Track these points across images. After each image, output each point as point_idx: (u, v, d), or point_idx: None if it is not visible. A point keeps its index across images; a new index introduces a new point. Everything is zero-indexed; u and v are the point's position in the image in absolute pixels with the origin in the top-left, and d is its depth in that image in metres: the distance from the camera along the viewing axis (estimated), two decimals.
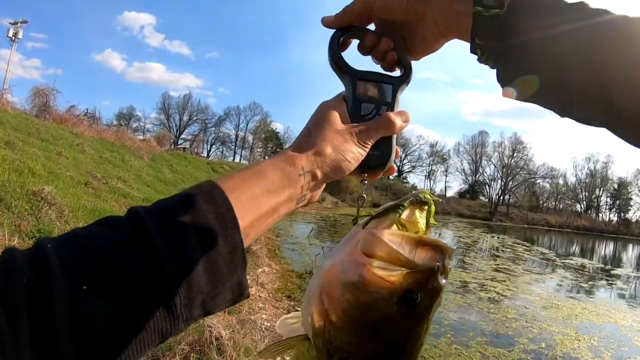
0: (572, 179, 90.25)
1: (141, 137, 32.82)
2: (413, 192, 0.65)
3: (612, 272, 22.38)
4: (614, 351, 8.62)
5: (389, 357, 0.58)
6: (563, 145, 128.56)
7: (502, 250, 24.89)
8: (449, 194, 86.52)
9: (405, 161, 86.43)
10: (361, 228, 0.63)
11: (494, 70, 0.66)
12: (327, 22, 0.74)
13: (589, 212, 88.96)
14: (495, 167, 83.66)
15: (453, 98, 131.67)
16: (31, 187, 6.58)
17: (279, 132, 78.16)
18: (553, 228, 70.47)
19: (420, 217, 0.63)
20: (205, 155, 65.87)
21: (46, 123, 16.68)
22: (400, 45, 0.74)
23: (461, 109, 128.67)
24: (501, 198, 79.37)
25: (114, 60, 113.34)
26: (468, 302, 10.60)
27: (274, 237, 15.60)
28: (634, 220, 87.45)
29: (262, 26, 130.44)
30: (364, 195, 0.72)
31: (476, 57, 0.66)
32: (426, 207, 0.64)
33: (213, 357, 3.96)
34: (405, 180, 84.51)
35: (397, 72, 0.75)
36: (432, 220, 0.65)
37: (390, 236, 0.57)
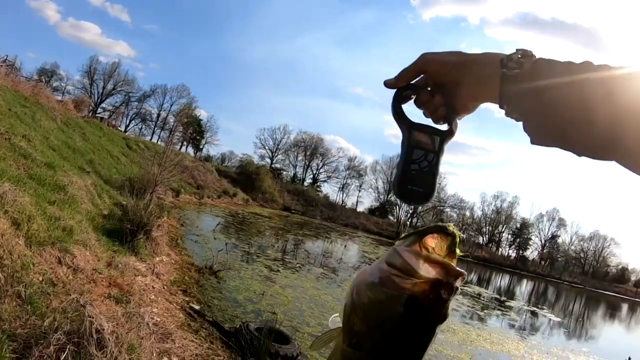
0: (478, 213, 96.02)
1: (59, 98, 30.91)
2: (438, 223, 0.72)
3: (506, 303, 23.36)
4: None
5: (389, 348, 0.69)
6: (475, 181, 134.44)
7: None
8: (360, 208, 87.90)
9: (322, 170, 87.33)
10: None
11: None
12: (389, 84, 0.86)
13: (490, 245, 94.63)
14: None
15: (379, 118, 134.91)
16: None
17: (201, 120, 77.02)
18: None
19: (442, 244, 0.69)
20: (123, 129, 62.91)
21: None
22: (450, 103, 0.84)
23: (384, 129, 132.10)
24: (410, 220, 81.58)
25: (49, 11, 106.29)
26: None
27: (178, 225, 14.96)
28: (530, 258, 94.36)
29: (208, 9, 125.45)
30: (408, 222, 1.09)
31: (504, 111, 0.78)
32: (448, 237, 0.70)
33: (92, 352, 3.47)
34: (318, 189, 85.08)
35: (442, 126, 0.86)
36: (457, 251, 0.71)
37: (408, 252, 0.68)
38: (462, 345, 10.53)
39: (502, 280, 48.50)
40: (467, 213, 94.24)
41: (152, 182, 15.08)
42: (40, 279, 4.68)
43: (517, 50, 0.77)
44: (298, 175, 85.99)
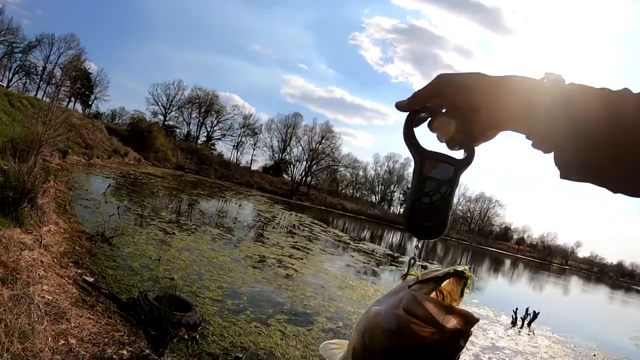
0: (371, 173, 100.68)
1: None
2: (454, 267, 0.71)
3: (399, 258, 24.45)
4: None
5: None
6: (369, 142, 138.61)
7: (300, 228, 25.70)
8: (254, 167, 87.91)
9: (216, 128, 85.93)
10: (406, 285, 0.73)
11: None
12: (401, 106, 0.80)
13: (382, 203, 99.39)
14: (302, 149, 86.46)
15: (276, 76, 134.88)
16: None
17: (91, 73, 71.92)
18: (348, 213, 75.62)
19: (457, 288, 0.72)
20: (5, 84, 57.39)
21: None
22: (466, 130, 0.78)
23: (282, 88, 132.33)
24: (304, 179, 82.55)
25: None
26: (267, 277, 10.64)
27: (66, 190, 14.17)
28: None
29: None
30: (415, 257, 0.81)
31: (530, 143, 0.73)
32: (463, 280, 0.71)
33: None
34: (213, 147, 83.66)
35: (456, 152, 0.81)
36: (466, 290, 0.72)
37: (429, 302, 0.66)
38: (361, 300, 10.91)
39: (394, 237, 50.53)
40: (361, 173, 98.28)
41: (36, 142, 14.04)
42: None
43: (546, 74, 0.71)
44: (192, 133, 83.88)
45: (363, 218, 74.97)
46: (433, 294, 0.70)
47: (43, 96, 58.77)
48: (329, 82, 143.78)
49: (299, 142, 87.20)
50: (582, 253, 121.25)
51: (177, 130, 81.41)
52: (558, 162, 0.70)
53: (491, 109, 0.74)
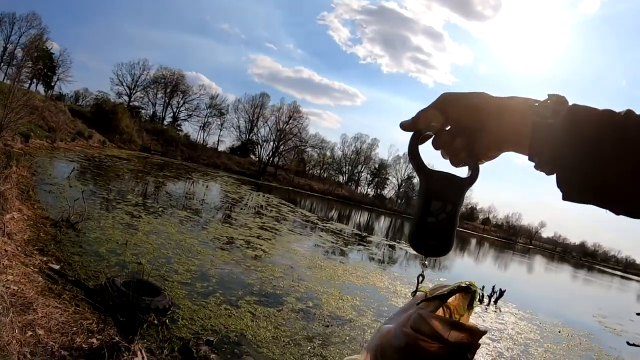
0: (339, 153, 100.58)
1: None
2: (459, 283, 0.72)
3: (367, 238, 24.81)
4: (375, 310, 9.39)
5: None
6: (337, 122, 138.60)
7: (267, 209, 25.71)
8: (221, 148, 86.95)
9: (182, 108, 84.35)
10: (415, 302, 0.74)
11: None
12: (406, 126, 0.81)
13: (350, 184, 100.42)
14: (270, 129, 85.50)
15: (243, 56, 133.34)
16: None
17: (53, 54, 69.17)
18: (316, 193, 75.78)
19: (464, 303, 0.73)
20: None
21: None
22: (471, 148, 0.80)
23: (249, 68, 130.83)
24: (271, 159, 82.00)
25: None
26: (235, 259, 10.67)
27: (29, 175, 13.88)
28: (387, 197, 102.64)
29: None
30: (423, 274, 0.80)
31: (533, 164, 0.73)
32: (469, 295, 0.72)
33: None
34: (179, 128, 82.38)
35: (461, 170, 0.83)
36: (475, 303, 0.74)
37: (435, 320, 0.68)
38: (330, 280, 11.03)
39: (361, 217, 51.12)
40: (328, 153, 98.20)
41: None
42: None
43: (549, 96, 0.72)
44: (158, 114, 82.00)
45: (331, 198, 75.29)
46: (440, 311, 0.72)
47: (4, 79, 56.73)
48: (297, 62, 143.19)
49: (266, 122, 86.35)
50: (546, 233, 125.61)
51: (143, 111, 79.75)
52: (562, 184, 0.70)
53: (494, 130, 0.75)
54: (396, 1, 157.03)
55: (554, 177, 0.70)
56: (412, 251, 17.50)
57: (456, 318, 0.73)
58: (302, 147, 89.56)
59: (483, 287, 13.70)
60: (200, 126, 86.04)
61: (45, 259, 6.85)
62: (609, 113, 0.66)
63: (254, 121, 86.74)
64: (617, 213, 0.68)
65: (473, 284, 0.73)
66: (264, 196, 36.61)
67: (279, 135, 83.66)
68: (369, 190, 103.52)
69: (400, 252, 22.71)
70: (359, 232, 27.91)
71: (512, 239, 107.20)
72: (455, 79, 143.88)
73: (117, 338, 4.59)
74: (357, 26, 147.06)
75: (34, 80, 61.43)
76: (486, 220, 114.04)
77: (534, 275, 38.85)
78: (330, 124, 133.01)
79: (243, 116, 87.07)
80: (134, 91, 79.35)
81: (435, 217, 0.77)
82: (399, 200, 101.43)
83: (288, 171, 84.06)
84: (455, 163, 0.82)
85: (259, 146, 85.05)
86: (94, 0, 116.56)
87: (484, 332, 0.69)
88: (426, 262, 0.82)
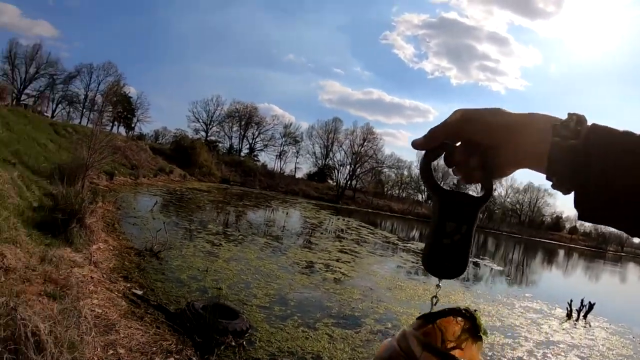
0: (416, 171, 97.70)
1: None
2: (456, 306, 0.72)
3: None
4: None
5: None
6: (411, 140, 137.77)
7: (347, 232, 25.65)
8: (299, 174, 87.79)
9: (258, 139, 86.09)
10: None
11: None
12: (418, 144, 0.79)
13: (429, 202, 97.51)
14: (345, 153, 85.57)
15: (313, 83, 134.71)
16: None
17: (131, 97, 73.97)
18: (395, 214, 75.03)
19: (455, 328, 0.72)
20: (50, 115, 59.63)
21: None
22: (486, 166, 0.78)
23: (319, 94, 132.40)
24: (349, 183, 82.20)
25: None
26: (314, 282, 10.66)
27: (114, 209, 14.58)
28: None
29: None
30: (437, 295, 0.79)
31: (551, 183, 0.71)
32: (464, 320, 0.72)
33: (30, 357, 3.34)
34: (256, 158, 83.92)
35: (473, 187, 0.82)
36: (482, 334, 0.72)
37: (412, 337, 0.69)
38: (410, 300, 10.84)
39: None
40: (405, 172, 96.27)
41: (82, 166, 14.52)
42: None
43: (570, 115, 0.70)
44: (234, 146, 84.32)
45: (411, 218, 74.33)
46: (434, 333, 0.72)
47: (87, 123, 60.79)
48: (366, 84, 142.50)
49: (341, 146, 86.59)
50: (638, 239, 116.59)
51: (220, 145, 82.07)
52: (578, 205, 0.68)
53: (511, 147, 0.74)
54: (456, 11, 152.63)
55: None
56: (496, 267, 16.86)
57: (449, 341, 0.73)
58: (379, 169, 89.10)
59: (571, 301, 13.04)
60: (277, 155, 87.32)
61: (129, 285, 7.15)
62: (629, 135, 0.65)
63: (329, 146, 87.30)
64: (633, 235, 0.67)
65: (469, 309, 0.72)
66: (343, 220, 36.61)
67: (355, 158, 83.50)
68: None
69: (485, 269, 21.95)
70: None
71: (602, 247, 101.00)
72: (526, 82, 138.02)
73: (194, 358, 4.69)
74: (421, 41, 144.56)
75: (116, 123, 65.93)
76: (573, 229, 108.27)
77: (628, 285, 36.32)
78: (405, 142, 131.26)
79: (318, 142, 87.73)
80: (210, 126, 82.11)
81: (451, 238, 0.76)
82: (481, 215, 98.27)
83: (366, 193, 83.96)
84: (468, 181, 0.81)
85: (335, 170, 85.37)
86: (163, 46, 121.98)
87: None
88: (440, 284, 0.80)
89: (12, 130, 19.17)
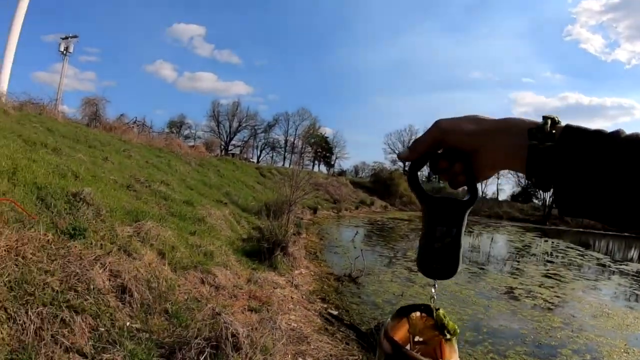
0: None
1: (191, 144, 33.57)
2: (420, 303, 0.83)
3: None
4: None
5: None
6: None
7: (554, 255, 24.12)
8: (501, 197, 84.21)
9: None
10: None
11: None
12: (402, 157, 0.87)
13: None
14: None
15: (503, 98, 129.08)
16: (72, 188, 6.81)
17: (327, 137, 78.97)
18: (610, 232, 67.31)
19: (422, 322, 0.78)
20: (255, 160, 66.71)
21: (95, 131, 17.56)
22: (469, 170, 0.85)
23: (512, 108, 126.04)
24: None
25: (165, 70, 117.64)
26: (512, 309, 10.31)
27: (317, 240, 15.60)
28: None
29: (311, 30, 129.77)
30: (434, 296, 0.85)
31: (531, 182, 0.77)
32: (430, 318, 0.79)
33: (228, 353, 4.00)
34: None
35: (459, 190, 0.90)
36: (450, 337, 0.77)
37: (385, 328, 0.75)
38: (617, 329, 9.90)
39: None
40: None
41: (286, 202, 15.82)
42: (185, 297, 5.40)
43: (544, 118, 0.77)
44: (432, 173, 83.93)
45: (628, 235, 66.23)
46: (394, 324, 0.78)
47: (289, 164, 66.63)
48: (559, 88, 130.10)
49: None
50: None
51: (418, 173, 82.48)
52: (558, 201, 0.73)
53: (490, 152, 0.80)
54: None
55: None
56: None
57: (417, 336, 0.77)
58: None
59: None
60: None
61: (325, 305, 7.74)
62: (600, 134, 0.71)
63: None
64: (611, 225, 0.72)
65: (429, 305, 0.80)
66: (549, 242, 34.44)
67: None
68: None
69: None
70: None
71: None
72: None
73: None
74: (608, 28, 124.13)
75: (316, 162, 70.51)
76: None
77: None
78: None
79: None
80: None
81: (442, 242, 0.80)
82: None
83: None
84: (454, 186, 0.87)
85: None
86: (353, 86, 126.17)
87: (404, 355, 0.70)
88: (436, 285, 0.86)
89: (223, 176, 21.83)
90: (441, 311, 0.79)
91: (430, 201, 0.82)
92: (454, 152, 0.84)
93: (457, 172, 0.84)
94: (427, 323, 0.78)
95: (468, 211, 0.83)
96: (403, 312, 0.80)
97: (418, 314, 0.80)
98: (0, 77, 22.40)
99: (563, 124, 0.76)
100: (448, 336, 0.76)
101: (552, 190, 0.75)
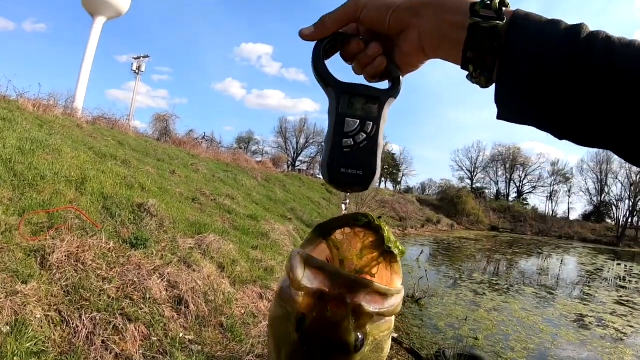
0: None
1: (259, 159, 34.20)
2: (353, 214, 0.60)
3: None
4: None
5: None
6: None
7: (628, 280, 22.89)
8: (573, 216, 79.10)
9: (525, 181, 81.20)
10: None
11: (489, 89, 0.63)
12: (305, 34, 0.68)
13: None
14: (622, 185, 71.70)
15: None
16: (137, 199, 6.98)
17: (394, 154, 78.22)
18: None
19: (355, 241, 0.59)
20: None
21: (165, 145, 18.09)
22: (390, 54, 0.69)
23: None
24: (629, 220, 67.59)
25: (234, 89, 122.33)
26: (581, 338, 9.82)
27: None
28: None
29: None
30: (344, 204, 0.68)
31: (467, 73, 0.63)
32: (367, 232, 0.59)
33: None
34: (525, 202, 78.83)
35: (381, 83, 0.71)
36: (394, 247, 0.59)
37: (297, 255, 0.54)
38: None
39: None
40: None
41: None
42: (242, 311, 5.38)
43: None
44: (501, 191, 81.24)
45: None
46: (322, 247, 0.59)
47: None
48: None
49: (616, 178, 72.97)
50: None
51: (486, 191, 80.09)
52: (500, 97, 0.61)
53: (423, 32, 0.64)
54: None
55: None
56: None
57: (350, 260, 0.60)
58: None
59: None
60: (547, 196, 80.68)
61: None
62: (558, 23, 0.57)
63: (603, 180, 74.67)
64: (560, 137, 0.60)
65: (368, 214, 0.59)
66: (623, 265, 32.71)
67: (634, 190, 68.84)
68: None
69: None
70: None
71: None
72: None
73: None
74: None
75: (383, 179, 70.45)
76: None
77: None
78: None
79: (590, 176, 76.47)
80: (475, 173, 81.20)
81: (353, 139, 0.65)
82: None
83: None
84: (371, 76, 0.70)
85: (613, 207, 72.59)
86: (419, 103, 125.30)
87: (355, 282, 0.52)
88: (348, 199, 0.69)
89: (288, 192, 21.97)
90: (382, 222, 0.60)
91: (338, 86, 0.66)
92: (372, 32, 0.68)
93: (373, 55, 0.67)
94: (353, 241, 0.60)
95: (388, 104, 0.67)
96: (322, 232, 0.59)
97: (349, 232, 0.60)
98: (76, 94, 23.78)
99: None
100: (396, 252, 0.58)
101: (492, 85, 0.62)
